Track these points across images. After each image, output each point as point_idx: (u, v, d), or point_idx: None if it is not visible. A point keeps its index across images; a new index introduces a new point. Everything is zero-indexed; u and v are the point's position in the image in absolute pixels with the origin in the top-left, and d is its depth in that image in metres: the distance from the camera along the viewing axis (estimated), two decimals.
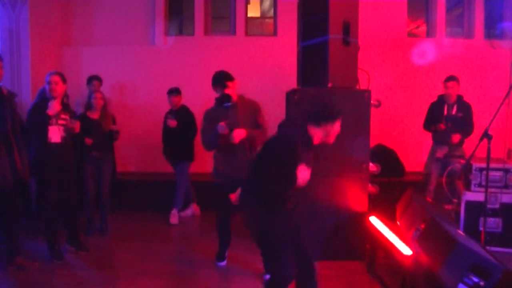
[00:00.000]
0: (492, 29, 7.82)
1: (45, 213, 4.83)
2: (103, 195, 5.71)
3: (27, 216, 5.76)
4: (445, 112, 5.86)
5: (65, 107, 4.80)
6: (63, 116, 4.69)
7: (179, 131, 6.17)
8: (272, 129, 3.60)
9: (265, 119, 4.42)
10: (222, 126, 4.20)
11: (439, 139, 5.90)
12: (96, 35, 7.64)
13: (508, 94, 5.31)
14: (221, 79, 4.39)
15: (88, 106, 5.63)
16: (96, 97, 5.59)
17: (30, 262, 4.59)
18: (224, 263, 4.68)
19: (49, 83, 4.64)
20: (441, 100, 5.95)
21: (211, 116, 4.39)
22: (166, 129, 6.28)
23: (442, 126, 5.78)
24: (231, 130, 4.19)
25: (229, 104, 4.35)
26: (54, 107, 4.56)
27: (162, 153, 6.50)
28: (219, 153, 4.46)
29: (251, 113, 4.36)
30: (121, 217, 6.36)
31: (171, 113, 6.27)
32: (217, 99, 4.43)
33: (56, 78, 4.66)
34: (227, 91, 4.34)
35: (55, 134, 4.64)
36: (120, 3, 7.58)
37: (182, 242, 5.60)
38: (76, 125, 4.77)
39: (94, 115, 5.55)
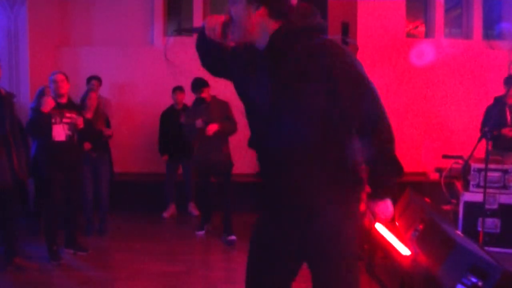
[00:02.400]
0: (491, 30, 7.83)
1: (46, 213, 4.82)
2: (101, 196, 5.71)
3: (26, 217, 5.76)
4: (508, 116, 5.51)
5: (70, 104, 4.81)
6: (68, 114, 4.68)
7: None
8: None
9: (233, 114, 5.36)
10: (199, 122, 5.32)
11: (503, 146, 5.55)
12: (95, 35, 7.63)
13: (506, 94, 5.31)
14: (198, 85, 5.46)
15: (82, 106, 5.60)
16: (91, 97, 5.55)
17: (28, 263, 4.58)
18: (201, 232, 5.74)
19: (55, 81, 4.65)
20: (501, 103, 5.50)
21: (191, 114, 5.57)
22: (175, 127, 6.21)
23: (510, 131, 5.44)
24: (206, 124, 5.27)
25: (204, 104, 5.46)
26: (47, 103, 4.51)
27: (163, 152, 6.54)
28: (198, 142, 5.53)
29: (222, 110, 5.40)
30: (120, 217, 6.36)
31: (184, 110, 6.25)
32: (195, 100, 5.62)
33: (62, 76, 4.72)
34: (203, 95, 5.46)
35: (59, 133, 4.63)
36: (119, 4, 7.57)
37: (182, 242, 5.61)
38: (80, 121, 4.77)
39: (88, 114, 5.52)
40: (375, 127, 1.86)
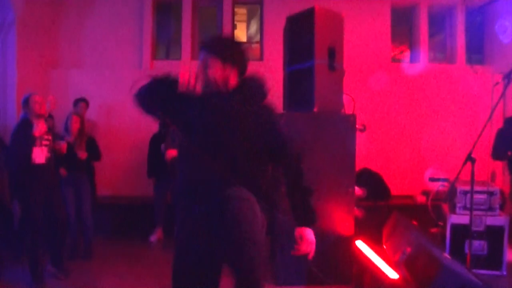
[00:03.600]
0: (474, 55, 8.00)
1: (29, 235, 4.75)
2: (85, 217, 5.64)
3: (9, 240, 5.66)
4: None
5: (48, 127, 4.79)
6: (46, 136, 4.67)
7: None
8: None
9: None
10: (162, 147, 6.05)
11: None
12: (84, 58, 7.65)
13: (490, 117, 5.40)
14: None
15: (66, 128, 5.55)
16: (72, 120, 5.52)
17: (11, 287, 4.50)
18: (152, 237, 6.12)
19: (36, 102, 4.62)
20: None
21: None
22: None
23: None
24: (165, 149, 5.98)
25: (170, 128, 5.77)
26: (40, 128, 4.51)
27: (151, 176, 6.53)
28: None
29: None
30: (107, 241, 6.28)
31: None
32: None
33: (41, 98, 4.68)
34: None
35: (39, 155, 4.60)
36: (108, 26, 7.62)
37: (168, 266, 5.53)
38: (63, 146, 4.75)
39: (70, 138, 5.48)
40: (294, 164, 2.58)
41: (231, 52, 2.46)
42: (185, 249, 2.48)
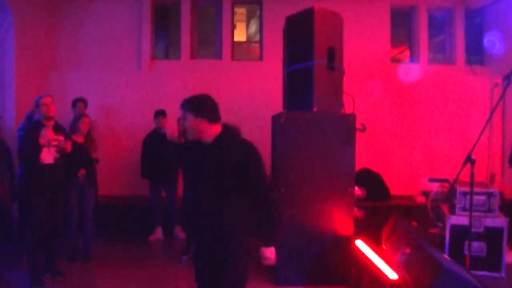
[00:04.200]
0: (473, 56, 8.00)
1: (29, 238, 4.73)
2: (86, 220, 5.63)
3: (8, 243, 5.65)
4: None
5: (58, 127, 4.79)
6: (55, 137, 4.66)
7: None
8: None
9: None
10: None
11: None
12: (82, 59, 7.64)
13: (489, 119, 5.40)
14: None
15: (73, 129, 5.55)
16: (84, 121, 5.54)
17: None
18: (186, 256, 5.57)
19: (44, 104, 4.62)
20: None
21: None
22: (158, 151, 6.24)
23: None
24: None
25: None
26: (46, 136, 4.51)
27: (144, 176, 6.53)
28: None
29: None
30: (106, 242, 6.27)
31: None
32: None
33: (50, 99, 4.68)
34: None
35: (47, 156, 4.60)
36: (106, 27, 7.61)
37: (167, 267, 5.53)
38: (68, 145, 4.75)
39: (79, 138, 5.49)
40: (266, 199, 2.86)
41: (200, 107, 2.89)
42: (197, 268, 3.01)
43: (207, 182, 2.87)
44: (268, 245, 2.88)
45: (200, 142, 2.93)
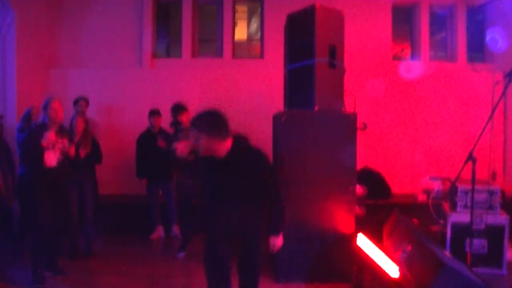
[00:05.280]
0: (475, 53, 7.99)
1: (33, 236, 4.73)
2: (87, 218, 5.64)
3: (9, 241, 5.65)
4: None
5: (62, 130, 4.78)
6: (60, 140, 4.67)
7: (166, 152, 6.18)
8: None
9: None
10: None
11: None
12: (84, 57, 7.64)
13: (491, 116, 5.40)
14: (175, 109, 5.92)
15: (71, 130, 5.54)
16: (77, 122, 5.53)
17: (11, 287, 4.49)
18: (182, 254, 5.67)
19: (53, 108, 4.59)
20: None
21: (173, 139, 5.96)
22: (153, 150, 6.29)
23: None
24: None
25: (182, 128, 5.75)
26: (49, 138, 4.52)
27: (140, 176, 6.57)
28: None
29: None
30: (107, 240, 6.27)
31: (161, 133, 6.41)
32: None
33: (59, 104, 4.67)
34: (179, 118, 5.85)
35: (50, 159, 4.60)
36: (107, 25, 7.61)
37: (167, 265, 5.54)
38: (72, 150, 4.77)
39: (75, 138, 5.48)
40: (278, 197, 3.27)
41: (212, 126, 3.04)
42: (214, 248, 3.32)
43: (228, 191, 3.19)
44: (277, 234, 3.27)
45: (212, 157, 3.11)
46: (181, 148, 3.51)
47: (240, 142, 3.20)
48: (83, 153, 5.44)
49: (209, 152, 3.08)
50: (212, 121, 3.05)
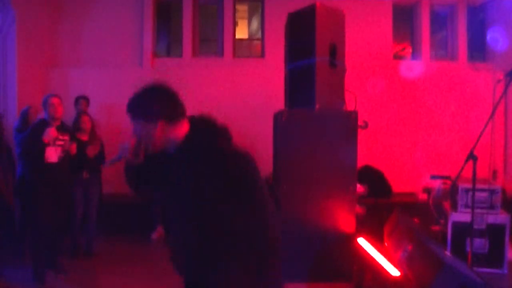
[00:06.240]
0: (475, 52, 7.98)
1: (34, 234, 4.74)
2: (90, 217, 5.65)
3: (10, 239, 5.66)
4: None
5: (63, 126, 4.79)
6: (61, 137, 4.67)
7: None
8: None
9: None
10: None
11: None
12: (84, 56, 7.64)
13: (492, 115, 5.39)
14: None
15: (76, 128, 5.58)
16: (84, 121, 5.59)
17: (11, 285, 4.49)
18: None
19: (52, 105, 4.63)
20: None
21: None
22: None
23: None
24: None
25: None
26: (50, 134, 4.52)
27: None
28: None
29: None
30: (108, 239, 6.28)
31: None
32: None
33: (58, 100, 4.72)
34: None
35: (52, 155, 4.62)
36: (108, 24, 7.61)
37: (168, 264, 5.54)
38: (73, 147, 4.77)
39: (84, 137, 5.53)
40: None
41: (149, 105, 2.08)
42: None
43: (171, 216, 2.17)
44: None
45: (164, 154, 2.08)
46: (123, 149, 2.26)
47: (201, 133, 2.02)
48: (91, 152, 5.45)
49: (156, 145, 2.07)
50: (148, 100, 2.15)
